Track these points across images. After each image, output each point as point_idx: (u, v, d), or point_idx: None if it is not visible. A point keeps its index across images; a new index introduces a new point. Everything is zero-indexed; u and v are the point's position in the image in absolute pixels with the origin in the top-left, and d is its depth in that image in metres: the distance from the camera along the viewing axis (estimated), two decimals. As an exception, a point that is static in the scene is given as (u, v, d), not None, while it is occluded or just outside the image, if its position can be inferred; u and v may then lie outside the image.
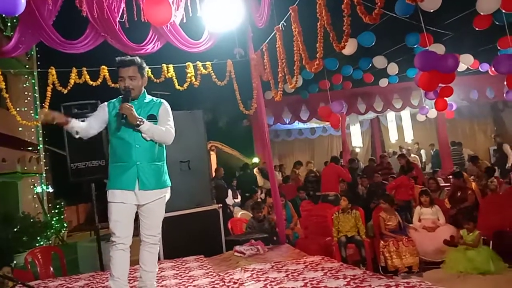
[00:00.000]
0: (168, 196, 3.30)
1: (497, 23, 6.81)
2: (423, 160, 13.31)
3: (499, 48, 7.86)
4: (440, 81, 5.91)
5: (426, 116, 11.44)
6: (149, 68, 6.20)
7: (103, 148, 5.27)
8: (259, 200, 8.24)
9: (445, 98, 7.93)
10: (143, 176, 3.08)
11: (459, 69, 6.55)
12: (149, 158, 3.12)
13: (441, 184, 8.06)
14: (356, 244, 5.57)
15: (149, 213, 3.17)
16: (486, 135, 14.69)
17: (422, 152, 13.56)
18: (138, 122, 3.00)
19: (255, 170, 10.86)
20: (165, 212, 3.31)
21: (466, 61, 9.19)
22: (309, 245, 5.71)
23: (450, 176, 7.36)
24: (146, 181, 3.09)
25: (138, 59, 3.16)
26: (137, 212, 3.19)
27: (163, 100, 3.29)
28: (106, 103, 3.24)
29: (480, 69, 9.87)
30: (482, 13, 6.37)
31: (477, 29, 6.99)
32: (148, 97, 3.27)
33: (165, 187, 3.23)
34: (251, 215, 6.47)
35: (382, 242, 5.60)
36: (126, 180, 3.06)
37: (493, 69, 7.61)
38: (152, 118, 3.15)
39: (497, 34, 7.55)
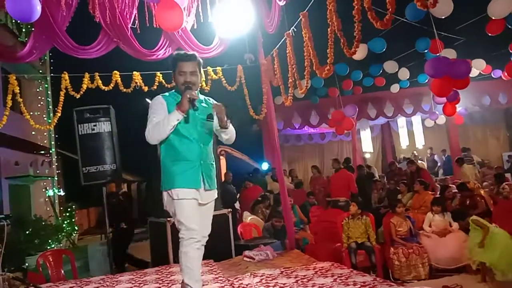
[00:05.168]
0: (216, 196, 3.29)
1: (509, 26, 6.75)
2: (438, 164, 13.16)
3: (511, 52, 7.78)
4: (453, 86, 5.85)
5: (435, 122, 11.34)
6: (161, 73, 6.28)
7: (114, 153, 5.33)
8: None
9: (455, 104, 7.84)
10: (206, 176, 3.06)
11: (471, 75, 6.47)
12: (210, 157, 3.13)
13: (453, 191, 7.96)
14: (366, 250, 5.53)
15: (206, 212, 3.16)
16: (499, 141, 14.51)
17: (436, 157, 13.42)
18: (227, 124, 3.00)
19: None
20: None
21: (478, 66, 9.10)
22: (319, 251, 5.68)
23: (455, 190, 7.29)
24: (209, 181, 3.08)
25: (197, 54, 3.14)
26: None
27: (212, 99, 3.25)
28: (160, 98, 3.08)
29: (492, 74, 9.76)
30: (493, 18, 6.32)
31: (489, 34, 6.92)
32: (200, 96, 3.20)
33: (216, 188, 3.23)
34: (263, 221, 6.48)
35: (392, 248, 5.55)
36: (193, 178, 2.99)
37: (505, 74, 7.54)
38: (211, 118, 3.09)
39: (509, 39, 7.47)
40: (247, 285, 3.81)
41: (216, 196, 3.27)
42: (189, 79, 3.03)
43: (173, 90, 3.17)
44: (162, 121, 2.93)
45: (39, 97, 11.98)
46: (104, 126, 5.34)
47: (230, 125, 3.10)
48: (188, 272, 3.00)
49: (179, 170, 3.00)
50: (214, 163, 3.21)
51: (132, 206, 6.61)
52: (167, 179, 3.03)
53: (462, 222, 5.38)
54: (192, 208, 3.01)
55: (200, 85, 3.26)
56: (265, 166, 12.33)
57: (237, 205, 9.02)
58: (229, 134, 3.12)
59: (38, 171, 11.08)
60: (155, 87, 6.26)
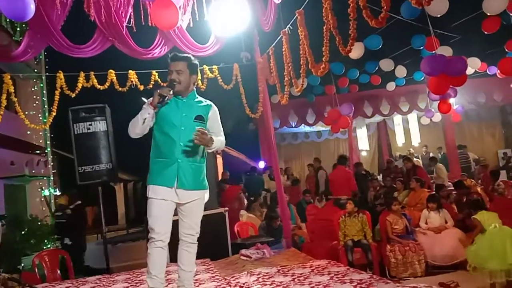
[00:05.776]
0: (207, 197, 3.29)
1: (504, 22, 6.77)
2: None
3: (507, 50, 7.81)
4: (450, 83, 5.87)
5: (431, 120, 11.38)
6: (156, 72, 6.26)
7: (110, 152, 5.31)
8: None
9: (449, 101, 7.88)
10: (182, 175, 3.06)
11: (466, 72, 6.49)
12: (191, 157, 3.11)
13: (449, 188, 8.01)
14: (362, 248, 5.55)
15: (188, 212, 3.17)
16: (495, 138, 14.57)
17: (431, 155, 13.45)
18: (210, 145, 3.04)
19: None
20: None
21: (473, 64, 9.12)
22: (316, 249, 5.69)
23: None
24: (184, 180, 3.07)
25: (191, 57, 3.22)
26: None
27: (212, 103, 3.29)
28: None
29: (488, 72, 9.79)
30: (489, 14, 6.35)
31: (485, 32, 6.94)
32: (198, 97, 3.27)
33: (203, 188, 3.22)
34: (260, 219, 6.47)
35: (388, 246, 5.57)
36: (166, 176, 3.05)
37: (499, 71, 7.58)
38: (200, 119, 3.13)
39: (505, 37, 7.50)
40: (244, 283, 3.82)
41: (206, 196, 3.28)
42: (173, 77, 3.10)
43: None
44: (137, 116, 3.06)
45: (34, 97, 11.89)
46: (99, 125, 5.32)
47: (216, 140, 3.13)
48: (150, 276, 3.09)
49: (157, 168, 3.10)
50: (201, 164, 3.21)
51: (83, 221, 6.33)
52: (148, 175, 3.14)
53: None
54: (159, 209, 3.07)
55: (195, 84, 3.31)
56: (261, 164, 12.33)
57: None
58: (213, 149, 3.17)
59: (33, 171, 11.02)
60: (151, 86, 6.25)
